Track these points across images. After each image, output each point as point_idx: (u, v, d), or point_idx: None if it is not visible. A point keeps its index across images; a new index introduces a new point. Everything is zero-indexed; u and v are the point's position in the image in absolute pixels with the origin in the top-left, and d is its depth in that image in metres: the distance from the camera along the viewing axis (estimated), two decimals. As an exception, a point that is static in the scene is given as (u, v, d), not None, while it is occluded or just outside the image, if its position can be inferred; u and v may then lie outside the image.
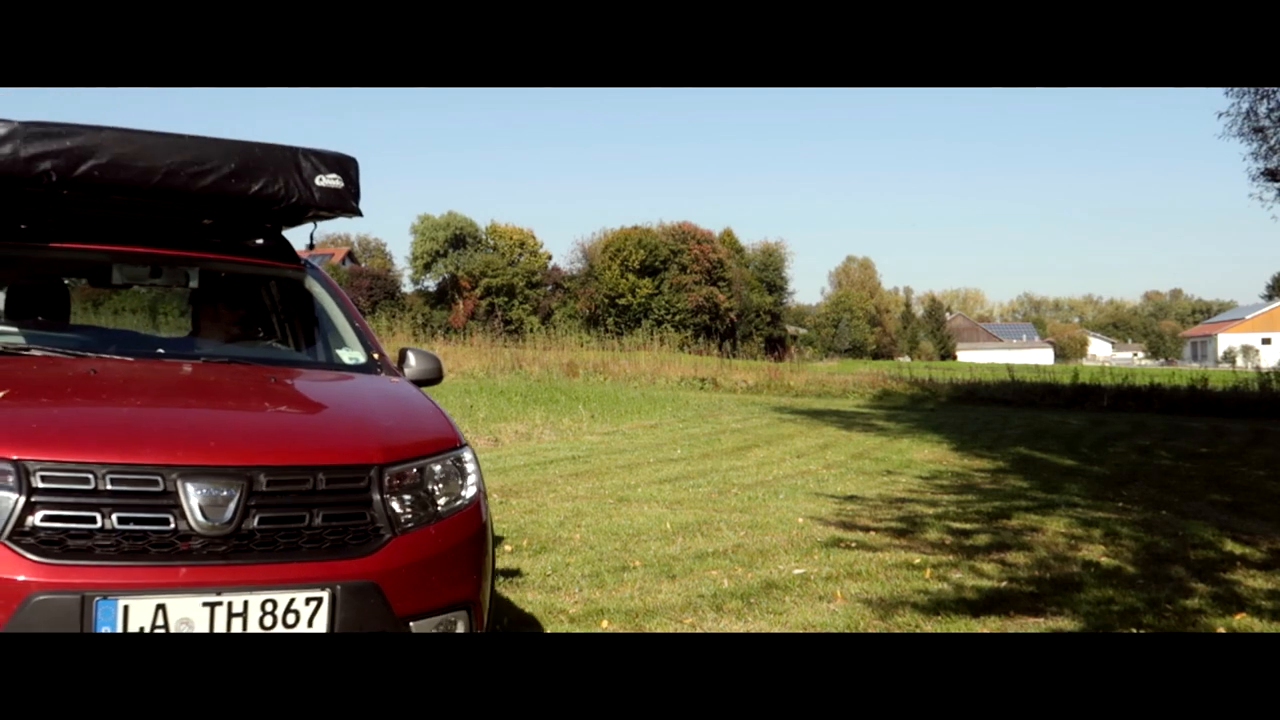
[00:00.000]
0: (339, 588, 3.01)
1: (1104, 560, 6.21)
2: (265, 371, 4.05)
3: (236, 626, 2.89)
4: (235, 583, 2.91)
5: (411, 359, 4.35)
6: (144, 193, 4.04)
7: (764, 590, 5.42)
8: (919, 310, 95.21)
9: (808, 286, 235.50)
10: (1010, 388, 22.33)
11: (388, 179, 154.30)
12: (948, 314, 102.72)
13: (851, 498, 8.60)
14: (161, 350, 4.18)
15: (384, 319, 39.16)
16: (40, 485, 2.84)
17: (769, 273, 62.76)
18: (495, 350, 27.52)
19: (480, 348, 28.03)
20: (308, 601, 2.98)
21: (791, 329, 67.25)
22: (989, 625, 4.88)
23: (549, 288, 57.37)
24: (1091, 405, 20.10)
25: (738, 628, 4.84)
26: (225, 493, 2.96)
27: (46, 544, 2.81)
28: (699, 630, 4.80)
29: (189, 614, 2.85)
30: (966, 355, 79.47)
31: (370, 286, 52.04)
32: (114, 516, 2.86)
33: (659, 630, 4.77)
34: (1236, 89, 16.26)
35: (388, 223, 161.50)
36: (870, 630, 4.79)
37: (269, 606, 2.93)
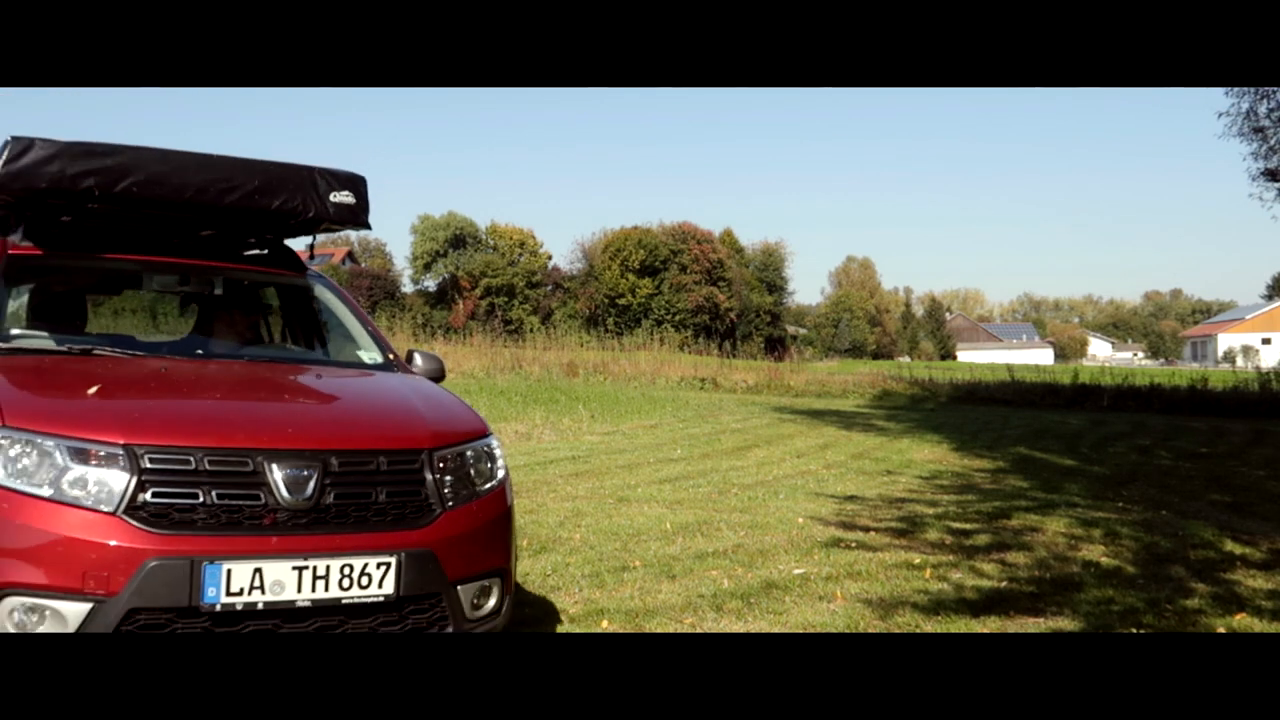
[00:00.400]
0: (403, 555, 3.45)
1: (1104, 560, 6.21)
2: (309, 369, 4.60)
3: (320, 588, 3.31)
4: (318, 550, 3.33)
5: (418, 359, 4.81)
6: (176, 207, 4.45)
7: (764, 590, 5.42)
8: (919, 310, 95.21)
9: (808, 286, 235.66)
10: (1010, 388, 22.33)
11: (388, 179, 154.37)
12: (948, 314, 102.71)
13: (851, 498, 8.60)
14: (200, 351, 4.60)
15: (384, 319, 39.15)
16: (148, 466, 3.23)
17: (769, 273, 62.75)
18: (495, 350, 27.51)
19: (480, 348, 28.03)
20: (378, 566, 3.41)
21: (791, 329, 67.24)
22: (989, 625, 4.88)
23: (549, 288, 57.36)
24: (1091, 405, 20.10)
25: (738, 628, 4.84)
26: (305, 472, 3.39)
27: (156, 517, 3.20)
28: (699, 630, 4.79)
29: (281, 576, 3.27)
30: (966, 355, 79.49)
31: (370, 286, 52.04)
32: (213, 493, 3.27)
33: (659, 630, 4.77)
34: (1236, 89, 16.27)
35: (388, 223, 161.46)
36: (870, 630, 4.79)
37: (346, 570, 3.36)
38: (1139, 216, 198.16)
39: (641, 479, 9.41)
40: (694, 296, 53.89)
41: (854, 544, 6.60)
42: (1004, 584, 5.61)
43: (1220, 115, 16.91)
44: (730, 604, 5.16)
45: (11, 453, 3.23)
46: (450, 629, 3.62)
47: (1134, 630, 4.78)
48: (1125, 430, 15.02)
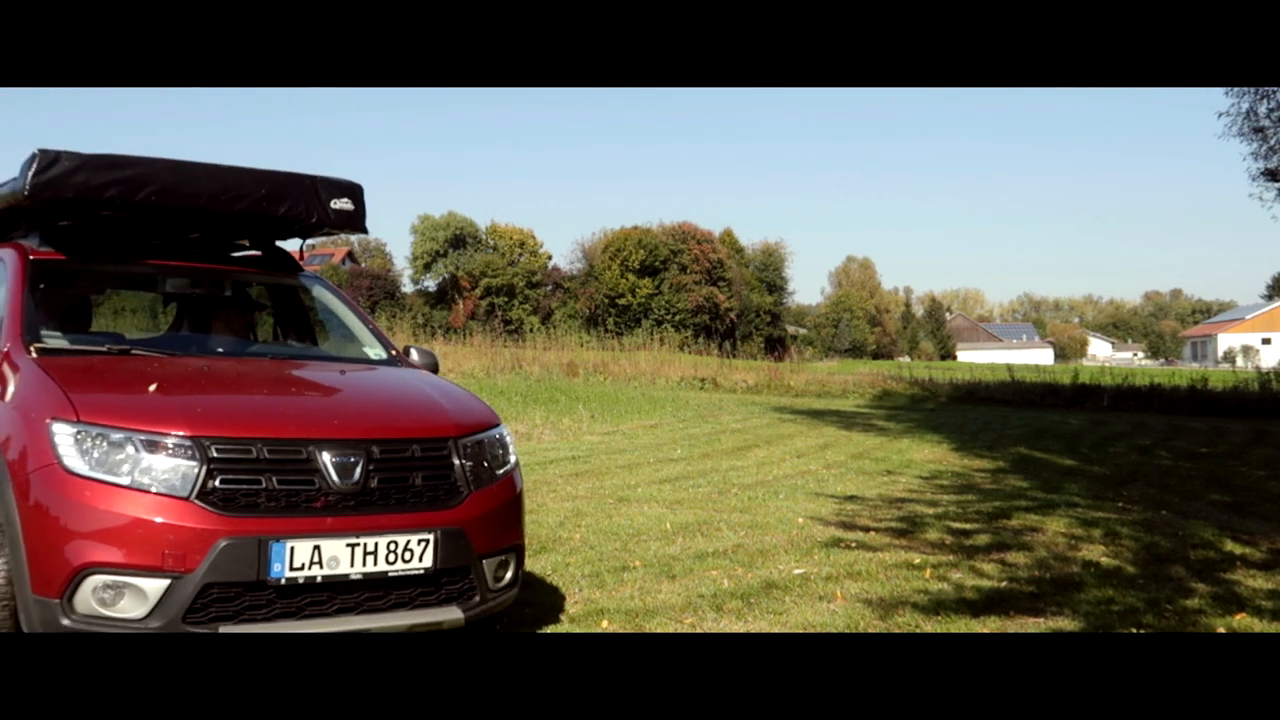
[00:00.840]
0: (439, 532, 3.86)
1: (1104, 560, 6.21)
2: (332, 365, 4.93)
3: (370, 563, 3.70)
4: (367, 528, 3.71)
5: (414, 354, 5.17)
6: (190, 214, 4.83)
7: (764, 590, 5.42)
8: (919, 310, 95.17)
9: (808, 286, 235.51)
10: (1010, 388, 22.31)
11: (388, 179, 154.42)
12: (948, 314, 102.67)
13: (851, 498, 8.60)
14: (221, 349, 4.89)
15: (384, 319, 39.16)
16: (215, 456, 3.57)
17: (769, 273, 62.72)
18: (495, 350, 27.50)
19: (480, 348, 28.02)
20: (419, 542, 3.80)
21: (791, 329, 67.22)
22: (989, 625, 4.88)
23: (549, 288, 57.33)
24: (1091, 405, 20.09)
25: (738, 628, 4.84)
26: (352, 459, 3.76)
27: (224, 501, 3.55)
28: (699, 630, 4.79)
29: (336, 553, 3.65)
30: (966, 355, 79.45)
31: (370, 286, 52.03)
32: (273, 479, 3.63)
33: (659, 630, 4.77)
34: (1236, 89, 16.25)
35: (388, 223, 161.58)
36: (870, 630, 4.79)
37: (392, 546, 3.74)
38: (1139, 216, 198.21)
39: (641, 479, 9.41)
40: (694, 296, 53.87)
41: (854, 544, 6.59)
42: (1004, 584, 5.61)
43: (1220, 115, 16.90)
44: (730, 604, 5.16)
45: (89, 446, 3.54)
46: (477, 598, 4.02)
47: (1134, 630, 4.78)
48: (1125, 430, 15.01)
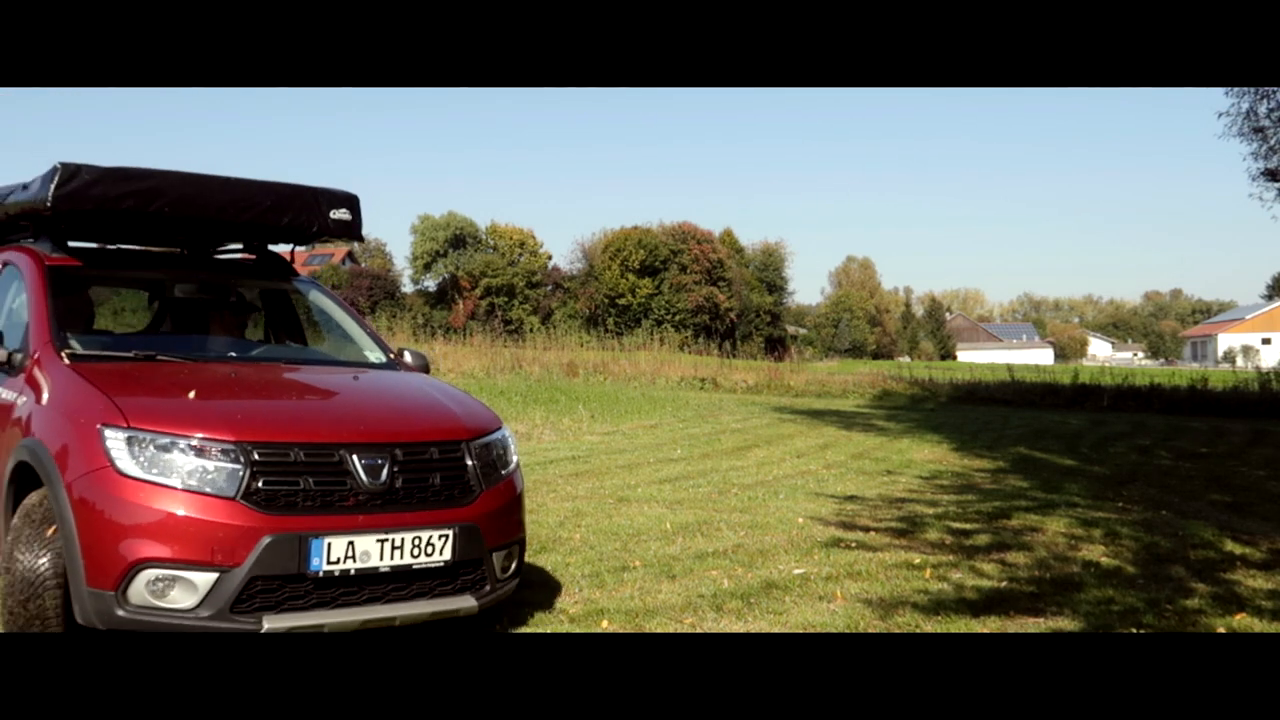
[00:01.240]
0: (457, 527, 4.19)
1: (1104, 560, 6.21)
2: (345, 370, 5.25)
3: (397, 556, 4.02)
4: (394, 525, 4.03)
5: (408, 356, 5.45)
6: (200, 223, 5.16)
7: (764, 590, 5.42)
8: (919, 310, 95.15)
9: (808, 286, 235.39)
10: (1010, 388, 22.30)
11: (388, 179, 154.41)
12: (948, 314, 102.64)
13: (851, 498, 8.60)
14: (233, 354, 5.21)
15: (384, 319, 39.14)
16: (258, 459, 3.86)
17: (769, 273, 62.70)
18: (495, 350, 27.47)
19: (480, 348, 27.99)
20: (440, 537, 4.13)
21: (791, 329, 67.20)
22: (989, 625, 4.88)
23: (549, 288, 57.31)
24: (1091, 405, 20.08)
25: (738, 628, 4.84)
26: (379, 461, 4.08)
27: (267, 501, 3.84)
28: (699, 630, 4.79)
29: (368, 547, 3.96)
30: (966, 355, 79.43)
31: (370, 286, 52.00)
32: (310, 480, 3.93)
33: (659, 630, 4.77)
34: (1236, 89, 16.24)
35: (388, 223, 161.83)
36: (870, 630, 4.79)
37: (417, 540, 4.07)
38: (1139, 216, 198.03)
39: (641, 479, 9.41)
40: (694, 296, 53.85)
41: (854, 544, 6.60)
42: (1004, 584, 5.61)
43: (1220, 115, 16.88)
44: (730, 604, 5.16)
45: (140, 450, 3.82)
46: (488, 587, 4.35)
47: (1134, 630, 4.78)
48: (1125, 430, 15.01)
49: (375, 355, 5.45)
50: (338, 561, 3.90)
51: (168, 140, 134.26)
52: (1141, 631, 4.76)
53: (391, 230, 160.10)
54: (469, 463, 4.36)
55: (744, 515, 7.65)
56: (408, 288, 58.30)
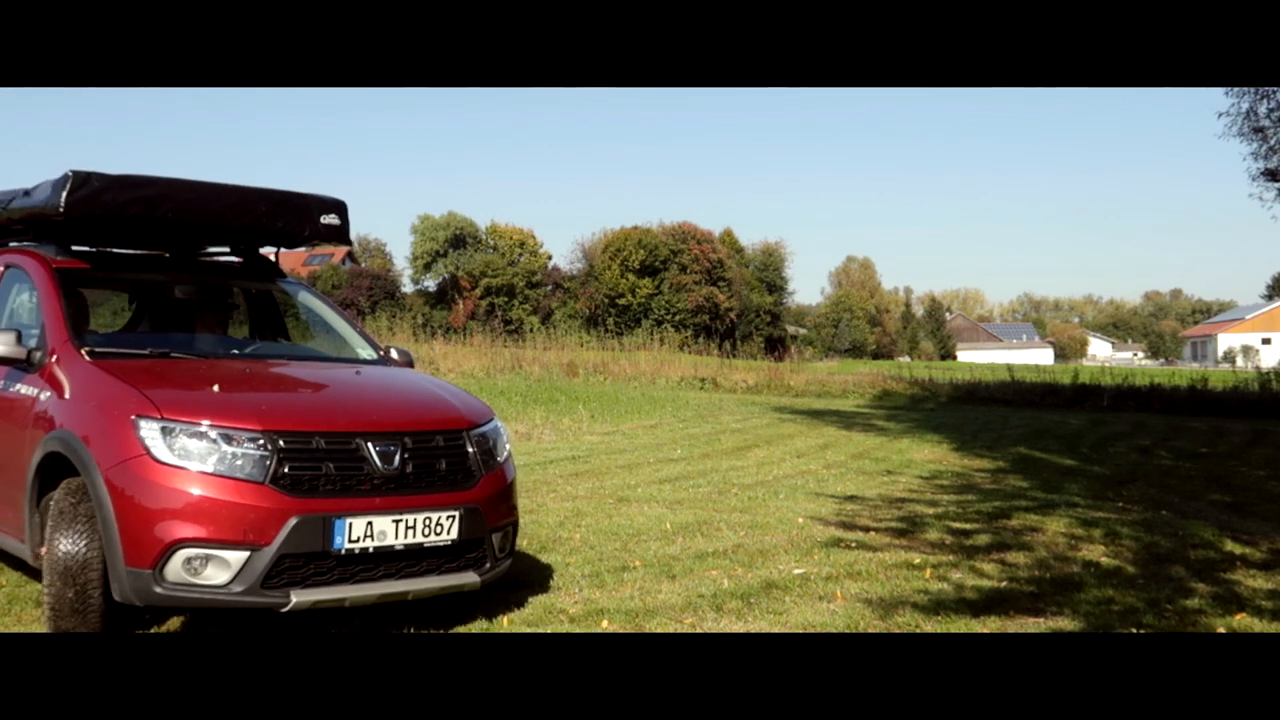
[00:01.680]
0: (462, 509, 4.53)
1: (1104, 560, 6.21)
2: (348, 366, 5.45)
3: (410, 535, 4.35)
4: (407, 507, 4.37)
5: (394, 353, 5.79)
6: (200, 228, 5.45)
7: (764, 590, 5.42)
8: (919, 310, 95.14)
9: (808, 286, 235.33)
10: (1010, 388, 22.30)
11: (388, 179, 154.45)
12: (948, 314, 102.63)
13: (851, 498, 8.60)
14: (236, 351, 5.52)
15: (384, 319, 39.11)
16: (283, 446, 4.17)
17: (769, 273, 62.70)
18: (495, 350, 27.45)
19: (480, 348, 27.97)
20: (448, 518, 4.47)
21: (791, 329, 67.20)
22: (989, 625, 4.88)
23: (549, 288, 57.30)
24: (1091, 405, 20.08)
25: (738, 628, 4.84)
26: (392, 448, 4.40)
27: (293, 484, 4.16)
28: (699, 630, 4.79)
29: (384, 527, 4.29)
30: (966, 355, 79.43)
31: (370, 286, 51.99)
32: (331, 465, 4.25)
33: (659, 630, 4.77)
34: (1236, 89, 16.24)
35: (387, 223, 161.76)
36: (870, 630, 4.79)
37: (427, 521, 4.41)
38: (1139, 216, 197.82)
39: (641, 479, 9.40)
40: (694, 296, 53.84)
41: (854, 544, 6.59)
42: (1004, 584, 5.61)
43: (1220, 115, 16.87)
44: (730, 604, 5.16)
45: (173, 438, 4.11)
46: (488, 564, 4.69)
47: (1134, 630, 4.78)
48: (1125, 430, 15.01)
49: (366, 352, 5.75)
50: (358, 540, 4.21)
51: (166, 140, 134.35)
52: (1141, 631, 4.76)
53: (391, 230, 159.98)
54: (470, 449, 4.68)
55: (744, 515, 7.64)
56: (408, 288, 58.33)
